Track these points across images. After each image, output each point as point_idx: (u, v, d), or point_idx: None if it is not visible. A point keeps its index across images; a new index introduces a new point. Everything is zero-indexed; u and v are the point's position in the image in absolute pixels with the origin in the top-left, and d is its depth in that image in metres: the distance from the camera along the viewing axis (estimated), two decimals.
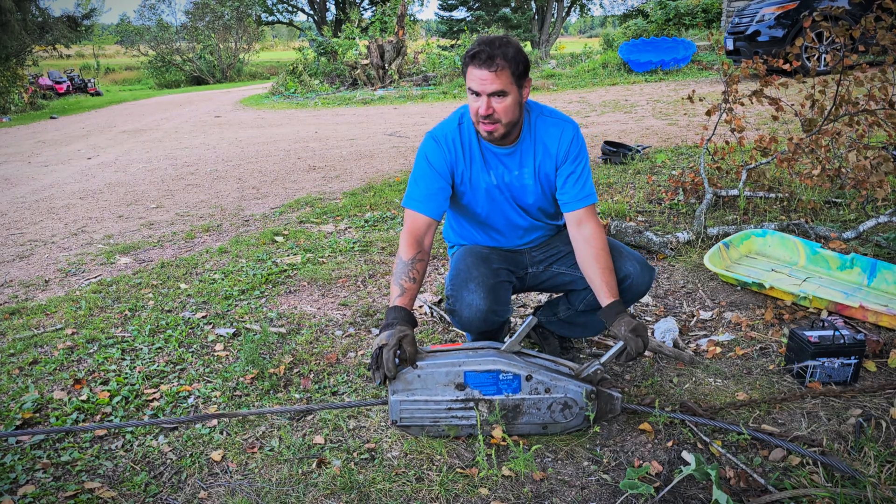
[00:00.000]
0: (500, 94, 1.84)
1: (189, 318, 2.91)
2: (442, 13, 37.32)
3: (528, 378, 1.82)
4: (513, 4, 34.59)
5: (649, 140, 6.37)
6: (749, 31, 9.74)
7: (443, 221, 2.23)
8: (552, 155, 2.00)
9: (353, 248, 3.80)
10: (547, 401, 1.84)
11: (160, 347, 2.65)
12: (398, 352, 1.76)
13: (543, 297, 2.93)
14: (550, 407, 1.84)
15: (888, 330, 2.43)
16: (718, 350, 2.38)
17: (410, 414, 1.85)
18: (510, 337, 1.92)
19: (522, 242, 2.21)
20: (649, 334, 2.53)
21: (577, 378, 1.86)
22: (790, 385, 2.11)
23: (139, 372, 2.45)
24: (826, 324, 2.21)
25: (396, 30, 15.47)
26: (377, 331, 2.71)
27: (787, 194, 3.82)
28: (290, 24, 37.44)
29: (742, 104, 4.00)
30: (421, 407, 1.85)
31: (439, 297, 3.00)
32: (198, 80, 26.95)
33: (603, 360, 1.89)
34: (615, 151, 5.45)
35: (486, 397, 1.83)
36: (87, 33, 20.84)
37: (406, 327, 1.81)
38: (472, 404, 1.84)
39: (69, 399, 2.27)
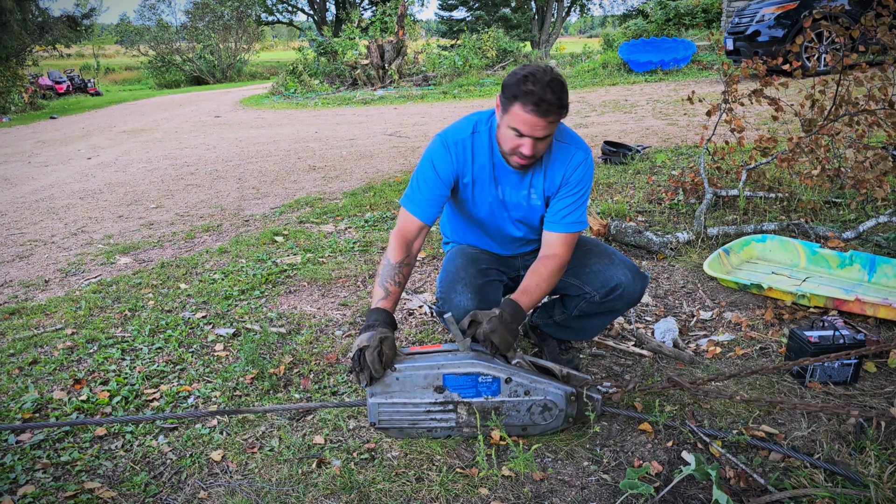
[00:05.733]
0: (546, 137, 1.83)
1: (189, 318, 2.90)
2: (442, 13, 37.35)
3: (508, 381, 1.82)
4: (513, 4, 34.59)
5: (649, 140, 6.37)
6: (749, 31, 9.74)
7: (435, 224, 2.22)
8: (558, 178, 1.99)
9: (353, 248, 3.80)
10: (526, 403, 1.84)
11: (160, 347, 2.65)
12: (379, 353, 1.76)
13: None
14: (530, 409, 1.84)
15: (888, 329, 2.43)
16: (718, 350, 2.38)
17: (389, 416, 1.85)
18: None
19: (517, 253, 2.23)
20: (650, 334, 2.53)
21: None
22: (790, 385, 2.11)
23: (139, 372, 2.45)
24: (826, 324, 2.21)
25: (396, 30, 15.47)
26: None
27: (787, 194, 3.82)
28: (290, 24, 37.46)
29: (742, 104, 4.00)
30: (399, 409, 1.85)
31: None
32: (198, 80, 26.96)
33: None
34: (615, 151, 5.45)
35: (466, 400, 1.83)
36: (86, 33, 20.86)
37: (387, 329, 1.81)
38: (451, 407, 1.84)
39: (69, 399, 2.27)
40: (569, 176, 1.98)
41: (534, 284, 1.91)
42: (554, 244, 1.99)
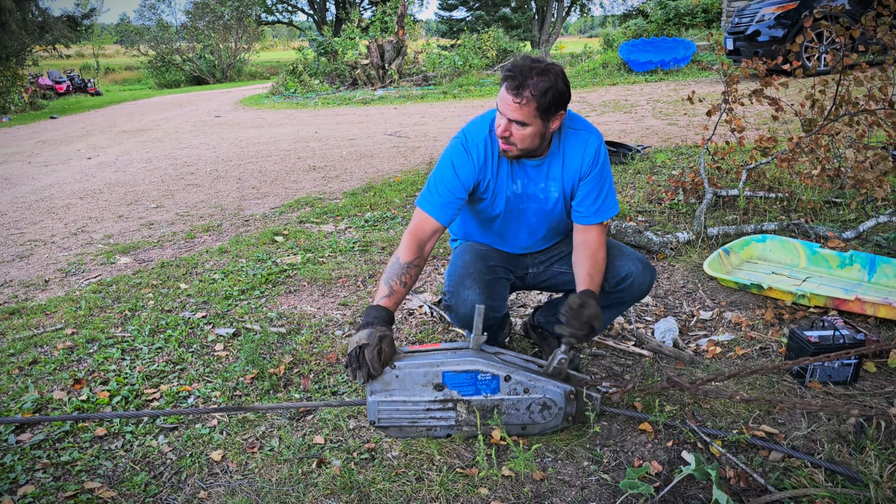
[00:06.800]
0: (521, 123, 1.83)
1: (189, 318, 2.90)
2: (442, 13, 37.35)
3: (507, 378, 1.82)
4: (513, 4, 34.59)
5: (649, 140, 6.37)
6: (749, 31, 9.74)
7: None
8: (577, 167, 1.99)
9: (353, 248, 3.80)
10: (526, 401, 1.84)
11: (160, 347, 2.65)
12: (379, 351, 1.76)
13: (544, 297, 2.93)
14: (529, 407, 1.84)
15: (888, 329, 2.43)
16: (718, 350, 2.38)
17: (389, 415, 1.85)
18: (472, 334, 1.87)
19: (527, 252, 2.22)
20: (650, 334, 2.53)
21: (546, 374, 1.86)
22: (790, 385, 2.11)
23: (139, 372, 2.45)
24: (826, 324, 2.21)
25: (396, 30, 15.47)
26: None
27: (787, 194, 3.82)
28: (290, 24, 37.46)
29: (742, 104, 4.00)
30: (399, 408, 1.85)
31: (439, 296, 3.00)
32: (198, 80, 26.96)
33: (559, 353, 1.86)
34: (615, 151, 5.45)
35: (465, 398, 1.83)
36: (86, 33, 20.86)
37: (385, 327, 1.81)
38: (450, 405, 1.84)
39: (69, 399, 2.27)
40: (587, 166, 1.98)
41: (596, 271, 1.94)
42: (591, 232, 2.01)
